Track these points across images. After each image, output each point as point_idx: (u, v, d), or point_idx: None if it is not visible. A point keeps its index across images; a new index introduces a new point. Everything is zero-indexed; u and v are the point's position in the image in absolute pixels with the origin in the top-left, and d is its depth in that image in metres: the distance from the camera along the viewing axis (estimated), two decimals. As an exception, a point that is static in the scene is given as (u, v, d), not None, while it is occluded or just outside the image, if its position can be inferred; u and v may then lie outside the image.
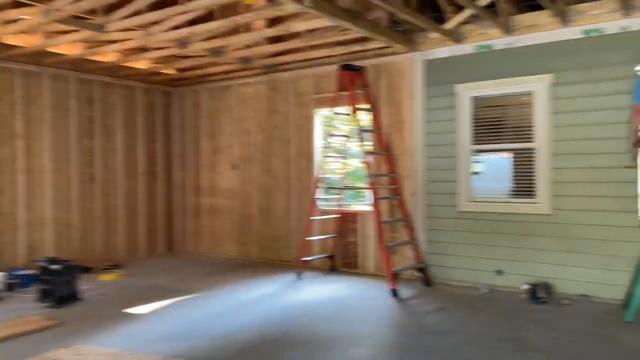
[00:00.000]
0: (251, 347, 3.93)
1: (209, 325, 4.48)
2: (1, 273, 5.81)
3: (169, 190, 8.49)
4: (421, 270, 5.96)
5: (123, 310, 4.93)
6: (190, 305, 5.11)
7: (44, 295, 5.26)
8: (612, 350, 3.78)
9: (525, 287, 5.25)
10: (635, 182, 4.84)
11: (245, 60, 6.81)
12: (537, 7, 5.29)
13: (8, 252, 6.37)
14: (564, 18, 5.10)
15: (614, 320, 4.46)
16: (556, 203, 5.29)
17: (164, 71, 7.60)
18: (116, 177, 7.66)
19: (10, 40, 6.29)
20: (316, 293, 5.64)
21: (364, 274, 6.50)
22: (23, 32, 5.57)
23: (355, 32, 5.37)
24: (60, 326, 4.46)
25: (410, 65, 6.17)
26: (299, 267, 6.49)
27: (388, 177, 6.25)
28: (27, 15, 5.13)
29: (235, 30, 5.84)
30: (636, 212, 4.85)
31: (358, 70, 6.33)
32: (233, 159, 7.86)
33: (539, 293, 5.12)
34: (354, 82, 6.25)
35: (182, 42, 5.98)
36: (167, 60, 7.10)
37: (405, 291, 5.57)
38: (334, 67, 6.62)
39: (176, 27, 5.53)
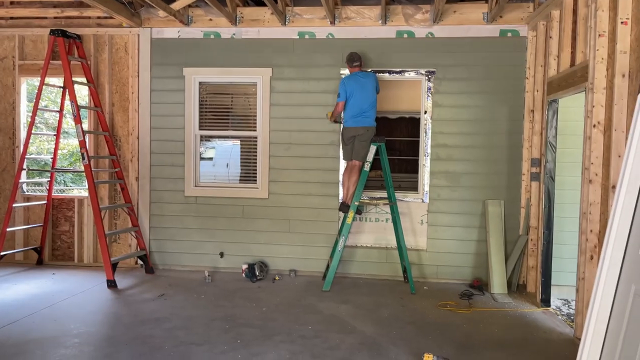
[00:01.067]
0: None
1: None
2: None
3: None
4: (143, 257, 5.73)
5: None
6: None
7: None
8: (311, 317, 4.31)
9: (244, 267, 5.57)
10: (337, 170, 5.63)
11: None
12: (263, 4, 5.62)
13: None
14: (283, 17, 5.55)
15: (315, 291, 5.11)
16: (272, 188, 5.75)
17: None
18: None
19: None
20: (14, 291, 4.84)
21: (80, 266, 5.90)
22: None
23: (70, -7, 4.76)
24: None
25: (137, 41, 5.81)
26: (-7, 263, 5.47)
27: (109, 159, 5.79)
28: None
29: None
30: (337, 195, 5.64)
31: (74, 38, 5.64)
32: None
33: (255, 272, 5.50)
34: (69, 51, 5.55)
35: None
36: None
37: (124, 281, 5.27)
38: (46, 32, 5.76)
39: None
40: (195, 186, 5.87)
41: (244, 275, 5.53)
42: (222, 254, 5.81)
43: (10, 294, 4.79)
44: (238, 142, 5.99)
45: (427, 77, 5.50)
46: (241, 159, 5.97)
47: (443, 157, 5.49)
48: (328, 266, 5.41)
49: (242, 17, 5.65)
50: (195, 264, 5.84)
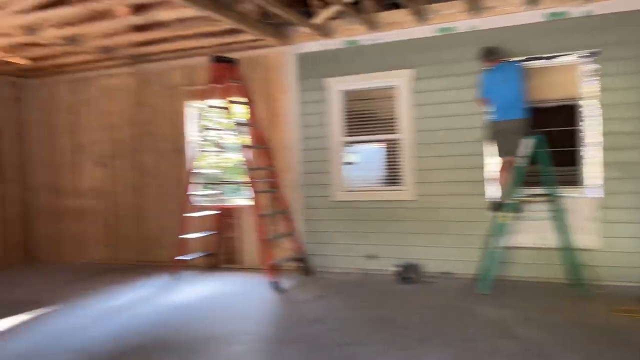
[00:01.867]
0: (121, 357, 3.72)
1: (73, 337, 4.15)
2: None
3: (24, 193, 7.68)
4: (301, 260, 6.09)
5: (-32, 331, 4.38)
6: (52, 318, 4.69)
7: None
8: (468, 320, 4.19)
9: (395, 269, 5.61)
10: (485, 167, 5.40)
11: (107, 49, 6.37)
12: (398, 6, 5.64)
13: None
14: (421, 16, 5.50)
15: (471, 294, 4.95)
16: (419, 189, 5.71)
17: (12, 60, 6.83)
18: (-42, 181, 6.76)
19: None
20: (193, 293, 5.50)
21: (245, 269, 6.48)
22: None
23: (226, 23, 5.29)
24: None
25: (283, 58, 6.24)
26: (174, 267, 6.27)
27: (266, 170, 6.28)
28: None
29: (93, 17, 5.42)
30: (486, 194, 5.41)
31: (230, 62, 6.24)
32: (97, 156, 7.33)
33: (407, 274, 5.51)
34: (226, 74, 6.16)
35: (31, 29, 5.41)
36: (15, 48, 6.40)
37: (285, 283, 5.66)
38: (206, 59, 6.46)
39: (23, 12, 5.00)
40: (343, 191, 6.08)
41: (395, 277, 5.58)
42: (372, 256, 5.93)
43: (191, 295, 5.45)
44: (381, 145, 6.07)
45: (586, 60, 5.00)
46: (384, 162, 6.04)
47: (615, 146, 4.94)
48: (484, 268, 5.20)
49: (380, 22, 5.73)
50: (348, 266, 6.05)
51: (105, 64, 7.05)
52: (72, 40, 5.84)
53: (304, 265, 6.07)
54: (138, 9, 5.35)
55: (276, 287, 5.44)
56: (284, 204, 6.22)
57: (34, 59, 7.00)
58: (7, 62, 6.90)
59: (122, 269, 6.84)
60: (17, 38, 5.69)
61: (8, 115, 7.44)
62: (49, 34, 5.52)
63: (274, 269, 5.54)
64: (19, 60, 6.88)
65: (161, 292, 5.56)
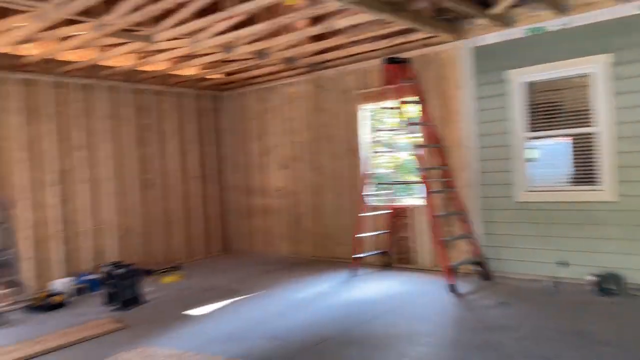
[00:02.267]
0: (309, 346, 3.97)
1: (267, 325, 4.56)
2: (69, 278, 6.16)
3: (222, 192, 8.70)
4: (479, 264, 5.81)
5: (184, 312, 5.10)
6: (246, 306, 5.22)
7: (110, 299, 5.53)
8: (691, 345, 3.54)
9: (591, 278, 5.00)
10: None
11: (289, 60, 6.86)
12: (593, -17, 5.01)
13: (75, 258, 6.73)
14: (622, -8, 4.81)
15: (692, 312, 4.18)
16: (622, 189, 5.00)
17: (212, 76, 7.78)
18: (171, 182, 7.93)
19: (67, 57, 6.64)
20: (371, 290, 5.62)
21: (419, 270, 6.41)
22: (78, 47, 5.85)
23: (399, 24, 5.29)
24: (126, 329, 4.68)
25: (458, 54, 6.01)
26: (351, 264, 6.48)
27: (440, 169, 6.13)
28: (81, 31, 5.39)
29: (278, 32, 5.89)
30: None
31: (403, 62, 6.23)
32: (281, 158, 7.95)
33: (607, 284, 4.87)
34: (399, 74, 6.16)
35: (227, 47, 6.09)
36: (214, 65, 7.27)
37: (463, 286, 5.45)
38: (379, 61, 6.55)
39: (221, 33, 5.65)
40: (526, 191, 5.62)
41: (591, 288, 4.97)
42: (564, 263, 5.37)
43: (368, 292, 5.58)
44: (569, 140, 5.46)
45: None
46: (574, 158, 5.42)
47: None
48: None
49: (570, 5, 5.16)
50: (532, 272, 5.58)
51: (287, 74, 7.61)
52: (259, 54, 6.42)
53: (481, 269, 5.78)
54: (316, 20, 5.65)
55: (453, 289, 5.27)
56: (459, 205, 5.99)
57: (228, 74, 7.89)
58: (208, 78, 7.90)
59: (303, 262, 7.32)
60: (215, 56, 6.46)
61: (208, 124, 8.50)
62: (241, 50, 6.14)
63: (451, 271, 5.38)
64: (217, 75, 7.82)
65: (340, 287, 5.80)
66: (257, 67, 7.24)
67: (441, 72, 6.20)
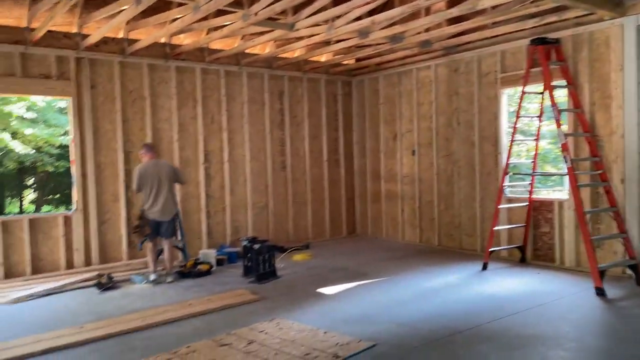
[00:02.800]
0: (439, 337, 3.87)
1: (394, 311, 4.54)
2: (213, 250, 6.69)
3: (350, 176, 8.80)
4: (632, 267, 5.19)
5: (314, 290, 5.28)
6: (375, 289, 5.24)
7: (247, 271, 5.91)
8: None
9: None
10: None
11: (424, 43, 6.65)
12: None
13: (217, 231, 7.30)
14: None
15: None
16: None
17: (345, 62, 7.84)
18: (303, 165, 8.21)
19: (216, 45, 7.14)
20: (505, 286, 5.31)
21: (560, 268, 5.91)
22: (225, 36, 6.24)
23: (552, 1, 4.82)
24: (261, 301, 4.96)
25: (618, 33, 5.33)
26: (483, 257, 6.18)
27: (590, 161, 5.55)
28: (229, 21, 5.74)
29: (415, 15, 5.73)
30: None
31: (553, 43, 5.70)
32: (412, 144, 7.80)
33: None
34: (547, 56, 5.65)
35: (363, 32, 6.07)
36: (348, 51, 7.32)
37: (612, 291, 4.91)
38: (523, 43, 6.07)
39: (357, 19, 5.64)
40: (699, 189, 4.86)
41: None
42: None
43: (501, 288, 5.27)
44: None
45: None
46: None
47: None
48: None
49: None
50: (702, 282, 4.84)
51: (420, 58, 7.40)
52: (393, 38, 6.31)
53: (635, 273, 5.15)
54: (456, 1, 5.38)
55: (601, 293, 4.77)
56: (612, 201, 5.38)
57: (361, 59, 7.89)
58: (341, 64, 7.98)
59: (428, 251, 7.16)
60: (349, 42, 6.49)
61: (338, 109, 8.61)
62: (376, 35, 6.08)
63: (599, 273, 4.86)
64: (349, 61, 7.87)
65: (471, 280, 5.57)
66: (390, 51, 7.14)
67: (596, 53, 5.56)
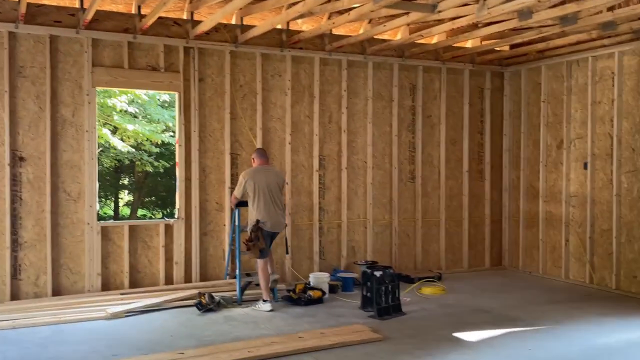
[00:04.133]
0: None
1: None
2: (325, 274, 6.86)
3: (497, 192, 8.52)
4: None
5: (449, 334, 5.18)
6: (528, 341, 5.01)
7: (366, 303, 5.97)
8: None
9: None
10: None
11: (606, 25, 6.24)
12: None
13: (330, 251, 7.49)
14: None
15: None
16: None
17: (497, 48, 7.62)
18: (437, 175, 8.12)
19: (338, 31, 7.34)
20: None
21: None
22: (351, 21, 6.40)
23: None
24: (384, 341, 4.98)
25: None
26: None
27: None
28: (357, 3, 5.87)
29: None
30: None
31: None
32: (584, 155, 7.34)
33: None
34: None
35: (525, 13, 5.86)
36: (501, 35, 7.11)
37: None
38: None
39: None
40: None
41: None
42: None
43: None
44: None
45: None
46: None
47: None
48: None
49: None
50: None
51: (599, 43, 6.96)
52: (564, 19, 6.01)
53: None
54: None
55: None
56: None
57: (516, 46, 7.63)
58: (491, 51, 7.77)
59: (602, 295, 6.70)
60: (505, 24, 6.30)
61: (484, 107, 8.39)
62: (541, 17, 5.83)
63: None
64: (500, 48, 7.64)
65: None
66: (559, 35, 6.81)
67: None
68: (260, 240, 5.98)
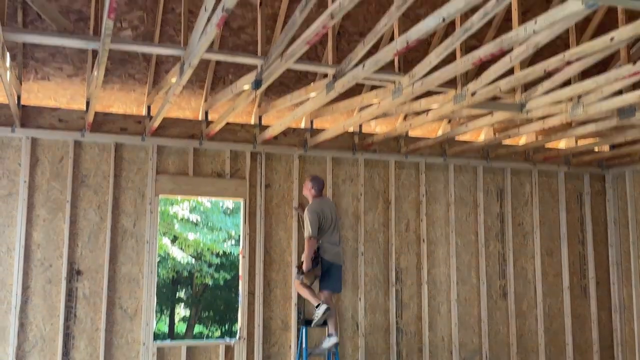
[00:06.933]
0: None
1: None
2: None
3: (606, 312, 8.06)
4: None
5: None
6: None
7: None
8: None
9: None
10: None
11: None
12: None
13: (410, 380, 7.18)
14: None
15: None
16: None
17: (596, 149, 7.52)
18: (532, 292, 7.80)
19: (415, 132, 7.48)
20: None
21: None
22: (429, 122, 6.50)
23: None
24: None
25: None
26: None
27: None
28: (436, 104, 6.00)
29: None
30: None
31: None
32: None
33: None
34: None
35: (627, 111, 5.79)
36: (601, 134, 7.02)
37: None
38: None
39: (616, 94, 5.43)
40: None
41: None
42: None
43: None
44: None
45: None
46: None
47: None
48: None
49: None
50: None
51: None
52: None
53: None
54: None
55: None
56: None
57: (617, 146, 7.50)
58: (589, 152, 7.66)
59: None
60: (604, 123, 6.23)
61: (589, 214, 8.14)
62: (649, 112, 5.74)
63: None
64: (601, 147, 7.52)
65: None
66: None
67: None
68: (318, 268, 6.26)
